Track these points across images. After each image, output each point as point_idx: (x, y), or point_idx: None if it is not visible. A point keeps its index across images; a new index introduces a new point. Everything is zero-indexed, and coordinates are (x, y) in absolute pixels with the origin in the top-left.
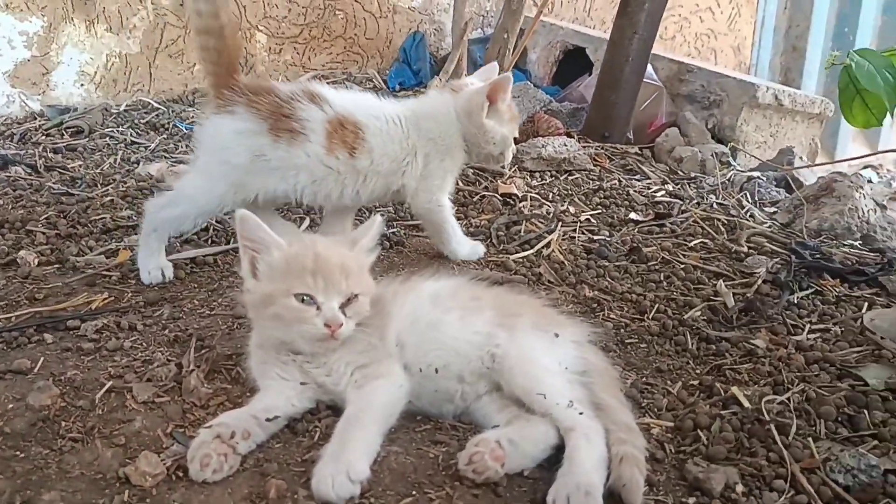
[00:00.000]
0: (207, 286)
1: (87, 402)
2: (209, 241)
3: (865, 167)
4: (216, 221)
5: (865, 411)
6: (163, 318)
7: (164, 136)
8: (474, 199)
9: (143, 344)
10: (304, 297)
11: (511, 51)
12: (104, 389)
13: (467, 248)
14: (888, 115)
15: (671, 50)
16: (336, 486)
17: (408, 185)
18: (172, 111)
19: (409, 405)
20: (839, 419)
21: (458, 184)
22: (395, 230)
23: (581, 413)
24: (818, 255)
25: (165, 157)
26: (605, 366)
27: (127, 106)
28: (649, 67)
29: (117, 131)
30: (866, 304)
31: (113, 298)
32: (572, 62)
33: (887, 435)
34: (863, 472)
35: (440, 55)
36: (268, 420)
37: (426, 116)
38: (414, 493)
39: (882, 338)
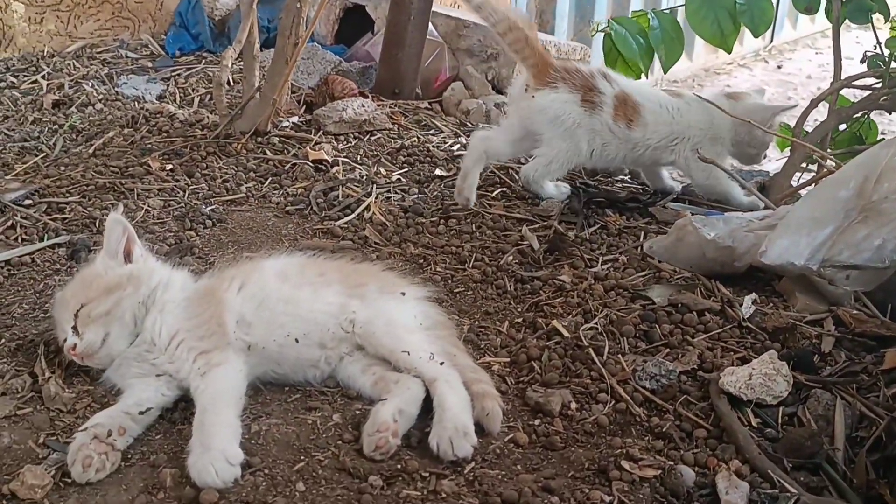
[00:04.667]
0: (32, 288)
1: None
2: (20, 240)
3: None
4: (23, 218)
5: (656, 325)
6: None
7: None
8: (286, 168)
9: None
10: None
11: (305, 21)
12: None
13: (746, 200)
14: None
15: (440, 3)
16: (220, 472)
17: (678, 162)
18: None
19: (276, 376)
20: (637, 335)
21: (266, 154)
22: (213, 207)
23: (441, 363)
24: (599, 192)
25: None
26: (443, 318)
27: None
28: (430, 24)
29: None
30: (643, 232)
31: None
32: (353, 20)
33: (675, 343)
34: (663, 376)
35: (216, 17)
36: (141, 413)
37: (700, 110)
38: (303, 458)
39: (659, 261)
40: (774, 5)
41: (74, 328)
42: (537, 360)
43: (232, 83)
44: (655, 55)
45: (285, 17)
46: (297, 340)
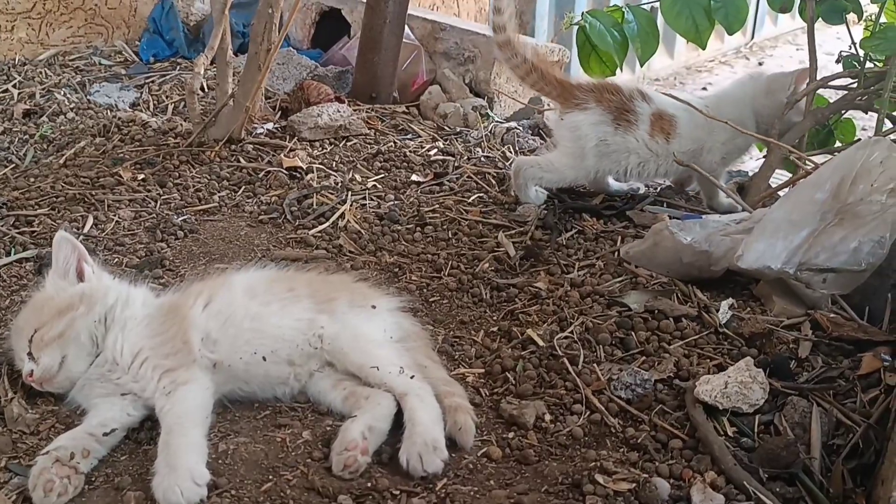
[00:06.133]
0: None
1: None
2: None
3: None
4: None
5: (633, 332)
6: None
7: None
8: (260, 176)
9: None
10: None
11: (277, 26)
12: None
13: (726, 202)
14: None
15: (417, 5)
16: (185, 493)
17: (704, 160)
18: None
19: (244, 394)
20: (613, 343)
21: (239, 161)
22: (185, 218)
23: (412, 377)
24: (575, 196)
25: None
26: (417, 329)
27: None
28: (406, 28)
29: None
30: (620, 237)
31: None
32: (329, 24)
33: (651, 350)
34: (639, 385)
35: (191, 22)
36: (105, 435)
37: (727, 103)
38: (271, 477)
39: (636, 266)
40: (750, 3)
41: (30, 354)
42: (512, 371)
43: (206, 90)
44: (631, 50)
45: (257, 23)
46: (264, 358)
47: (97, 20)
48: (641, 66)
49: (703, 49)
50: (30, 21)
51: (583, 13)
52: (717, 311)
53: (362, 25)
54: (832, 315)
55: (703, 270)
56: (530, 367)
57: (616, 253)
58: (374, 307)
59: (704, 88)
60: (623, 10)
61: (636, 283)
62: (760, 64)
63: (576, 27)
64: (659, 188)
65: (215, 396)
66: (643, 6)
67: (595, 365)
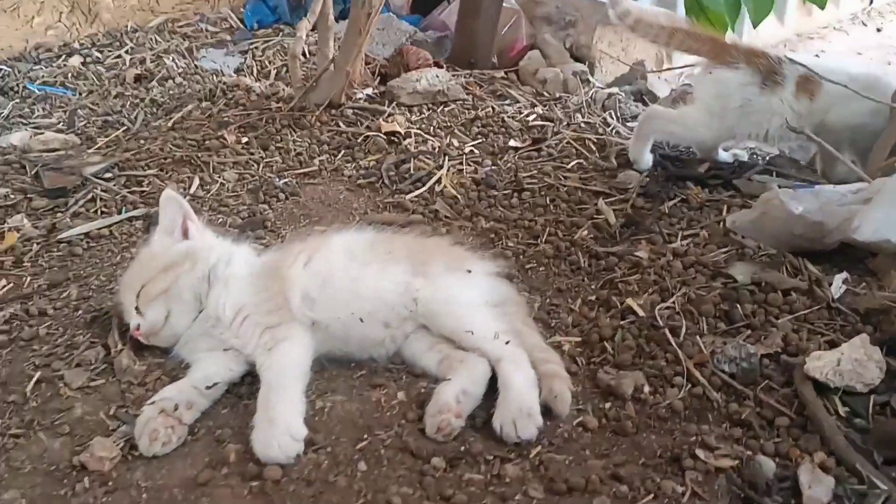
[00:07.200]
0: (109, 260)
1: (18, 395)
2: (99, 212)
3: None
4: (103, 191)
5: (738, 305)
6: (71, 299)
7: (16, 100)
8: (359, 141)
9: (60, 329)
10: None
11: None
12: (33, 381)
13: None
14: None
15: None
16: (283, 447)
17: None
18: (18, 71)
19: (341, 353)
20: (717, 315)
21: (339, 126)
22: (286, 181)
23: (507, 342)
24: (680, 164)
25: (24, 124)
26: (513, 295)
27: None
28: None
29: None
30: (726, 206)
31: (13, 285)
32: None
33: (757, 324)
34: (744, 359)
35: None
36: (208, 388)
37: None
38: (366, 436)
39: (743, 237)
40: None
41: (137, 309)
42: (610, 341)
43: (308, 55)
44: (743, 9)
45: None
46: (361, 319)
47: None
48: (755, 26)
49: (823, 9)
50: None
51: None
52: (830, 285)
53: None
54: None
55: (816, 242)
56: (629, 336)
57: (721, 223)
58: (469, 271)
59: (817, 56)
60: None
61: (743, 255)
62: (878, 30)
63: None
64: (769, 156)
65: (314, 355)
66: None
67: (697, 337)
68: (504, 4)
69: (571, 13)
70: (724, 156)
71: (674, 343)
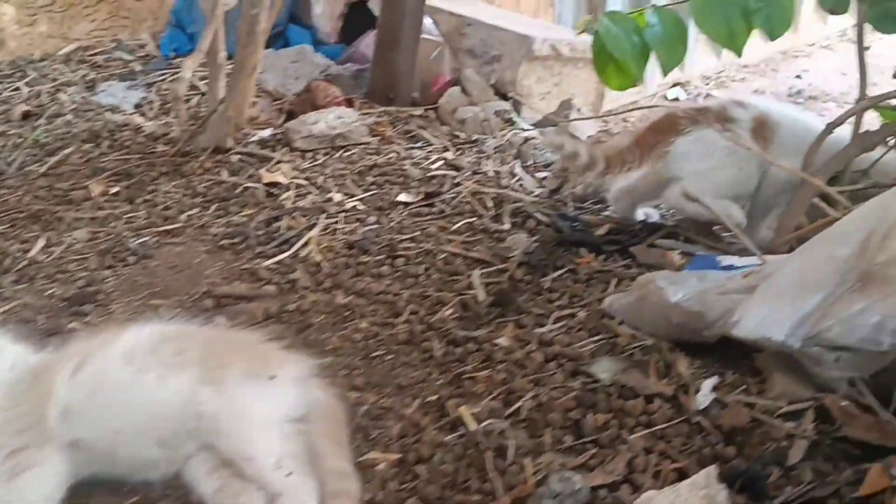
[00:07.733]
0: None
1: None
2: None
3: (674, 85)
4: None
5: (592, 413)
6: None
7: None
8: (237, 192)
9: None
10: None
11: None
12: None
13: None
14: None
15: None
16: None
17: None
18: None
19: (112, 477)
20: (566, 425)
21: (220, 175)
22: (142, 241)
23: (290, 473)
24: (578, 226)
25: None
26: (328, 402)
27: None
28: (430, 22)
29: None
30: (615, 280)
31: None
32: (358, 16)
33: (606, 440)
34: (569, 496)
35: None
36: None
37: None
38: None
39: (620, 323)
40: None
41: None
42: (427, 463)
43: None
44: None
45: (241, 24)
46: (130, 438)
47: (122, 12)
48: (664, 75)
49: (739, 56)
50: (51, 15)
51: (599, 16)
52: (697, 392)
53: (378, 21)
54: (844, 403)
55: (696, 334)
56: (449, 458)
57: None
58: (273, 377)
59: (799, 76)
60: (647, 10)
61: (615, 345)
62: (867, 48)
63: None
64: (675, 218)
65: (72, 480)
66: (669, 6)
67: (530, 459)
68: (428, 36)
69: (497, 47)
70: (638, 214)
71: (496, 469)
